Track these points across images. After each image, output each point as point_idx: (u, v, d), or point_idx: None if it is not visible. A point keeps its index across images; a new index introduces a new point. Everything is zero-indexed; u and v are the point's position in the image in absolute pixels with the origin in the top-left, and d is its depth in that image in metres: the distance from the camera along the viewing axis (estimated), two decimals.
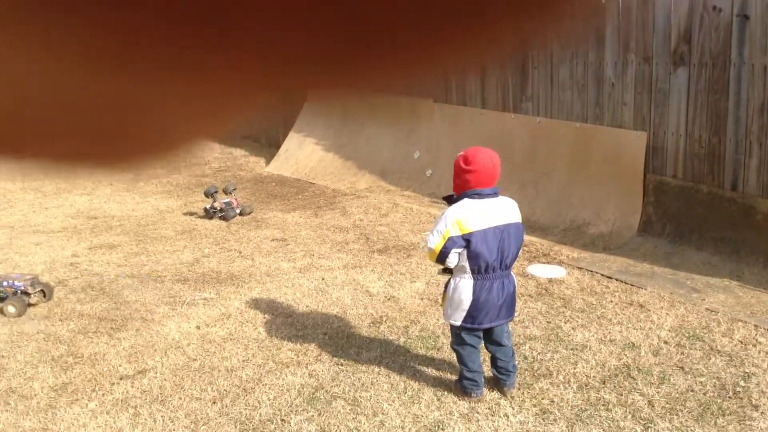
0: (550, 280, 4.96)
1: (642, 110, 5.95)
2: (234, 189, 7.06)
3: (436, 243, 3.20)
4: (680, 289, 4.72)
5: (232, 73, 0.20)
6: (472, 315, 3.26)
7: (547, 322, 4.29)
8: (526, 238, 5.79)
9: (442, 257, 3.22)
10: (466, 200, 3.23)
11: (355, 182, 8.21)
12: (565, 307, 4.50)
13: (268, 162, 9.53)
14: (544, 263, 5.32)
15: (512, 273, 3.40)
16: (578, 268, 5.18)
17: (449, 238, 3.17)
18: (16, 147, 0.24)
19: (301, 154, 9.21)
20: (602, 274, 5.01)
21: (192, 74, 0.20)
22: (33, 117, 0.22)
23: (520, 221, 3.36)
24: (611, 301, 4.57)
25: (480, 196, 3.23)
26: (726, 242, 5.19)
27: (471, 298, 3.25)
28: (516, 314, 4.10)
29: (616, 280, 4.90)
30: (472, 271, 3.24)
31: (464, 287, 3.26)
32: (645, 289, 4.71)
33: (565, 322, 4.27)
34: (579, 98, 6.49)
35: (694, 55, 5.51)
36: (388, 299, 4.75)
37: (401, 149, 8.22)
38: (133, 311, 4.64)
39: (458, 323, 3.30)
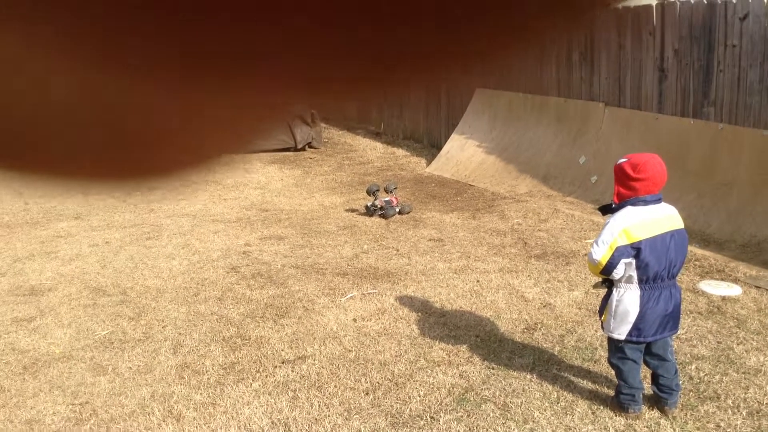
0: (724, 298, 4.59)
1: None
2: (395, 188, 7.22)
3: (603, 254, 3.05)
4: None
5: (257, 86, 0.20)
6: (638, 327, 3.10)
7: (718, 342, 3.98)
8: (698, 251, 5.41)
9: (608, 269, 3.07)
10: (629, 208, 3.09)
11: (516, 186, 8.08)
12: (739, 328, 4.14)
13: (428, 162, 9.64)
14: (717, 280, 4.93)
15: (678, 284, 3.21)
16: (756, 287, 4.75)
17: (617, 248, 3.03)
18: (23, 159, 0.23)
19: (462, 155, 9.22)
20: None
21: (217, 85, 0.20)
22: (48, 125, 0.22)
23: (683, 227, 3.19)
24: None
25: (645, 203, 3.08)
26: None
27: (638, 309, 3.09)
28: (682, 331, 3.84)
29: None
30: (640, 281, 3.08)
31: (630, 299, 3.11)
32: None
33: (738, 344, 3.94)
34: None
35: None
36: (544, 306, 4.64)
37: (566, 153, 7.98)
38: (296, 300, 4.90)
39: (622, 337, 3.14)
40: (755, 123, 6.07)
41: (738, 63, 6.22)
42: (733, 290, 4.70)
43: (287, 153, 10.59)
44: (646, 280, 3.08)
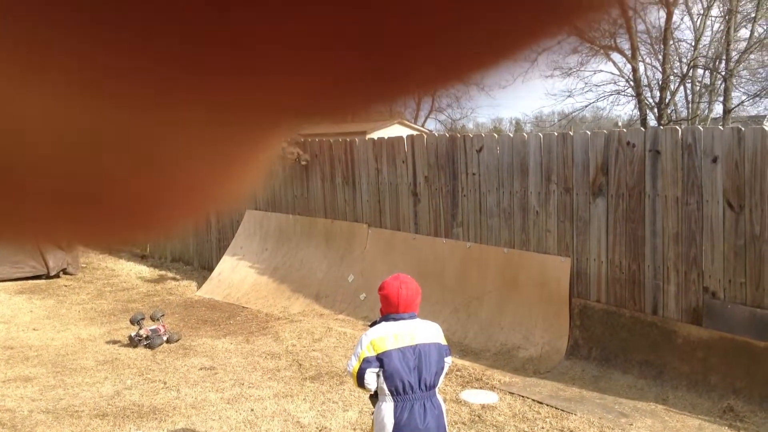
0: (483, 406, 4.93)
1: (565, 237, 6.21)
2: (162, 315, 6.87)
3: (354, 366, 3.24)
4: (609, 413, 4.76)
5: (254, 114, 0.20)
6: None
7: None
8: (459, 362, 5.80)
9: (360, 379, 3.24)
10: (383, 323, 3.32)
11: (289, 306, 8.12)
12: None
13: (199, 285, 9.37)
14: (476, 388, 5.30)
15: (438, 397, 3.35)
16: (510, 393, 5.18)
17: (364, 359, 3.22)
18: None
19: (235, 277, 9.11)
20: (533, 399, 5.02)
21: (215, 119, 0.19)
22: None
23: (443, 342, 3.38)
24: (543, 428, 4.56)
25: (395, 319, 3.31)
26: (650, 365, 5.32)
27: (393, 421, 3.21)
28: None
29: (547, 405, 4.92)
30: (391, 393, 3.24)
31: (386, 410, 3.25)
32: (575, 415, 4.73)
33: None
34: (506, 225, 6.74)
35: (611, 187, 5.86)
36: (320, 430, 4.61)
37: (335, 272, 8.25)
38: None
39: None
40: (496, 241, 6.82)
41: (478, 189, 7.02)
42: (491, 397, 5.08)
43: (38, 281, 9.66)
44: (395, 391, 3.24)
